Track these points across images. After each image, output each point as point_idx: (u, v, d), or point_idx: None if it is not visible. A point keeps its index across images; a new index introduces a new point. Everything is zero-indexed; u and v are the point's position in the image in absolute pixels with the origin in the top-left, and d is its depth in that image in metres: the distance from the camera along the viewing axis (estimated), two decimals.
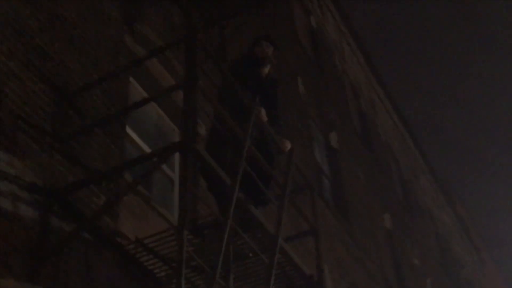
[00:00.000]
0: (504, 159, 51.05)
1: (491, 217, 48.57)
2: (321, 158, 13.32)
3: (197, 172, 6.12)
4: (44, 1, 6.16)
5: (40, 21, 6.01)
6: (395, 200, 17.56)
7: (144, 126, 7.51)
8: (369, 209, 14.71)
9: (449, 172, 51.84)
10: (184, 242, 4.75)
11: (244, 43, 7.47)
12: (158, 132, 7.81)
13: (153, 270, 6.04)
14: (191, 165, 5.24)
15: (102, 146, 6.22)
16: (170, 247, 5.71)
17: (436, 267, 19.07)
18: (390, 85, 20.34)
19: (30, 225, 5.11)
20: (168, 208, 7.22)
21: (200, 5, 9.18)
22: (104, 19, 7.00)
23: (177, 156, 6.80)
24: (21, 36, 5.72)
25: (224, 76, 6.51)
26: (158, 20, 8.13)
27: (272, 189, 6.41)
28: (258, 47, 6.87)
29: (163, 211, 6.76)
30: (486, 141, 51.84)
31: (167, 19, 8.36)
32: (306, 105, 12.95)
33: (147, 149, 7.14)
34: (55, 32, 6.16)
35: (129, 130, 7.00)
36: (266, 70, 6.87)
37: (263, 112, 6.35)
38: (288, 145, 6.73)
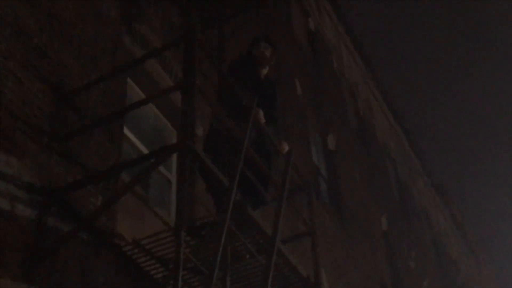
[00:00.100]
0: (501, 162, 51.11)
1: (488, 219, 48.67)
2: (318, 159, 13.33)
3: (195, 173, 6.12)
4: (43, 1, 6.15)
5: (38, 21, 5.99)
6: (391, 202, 17.57)
7: (141, 127, 7.51)
8: (366, 210, 14.72)
9: (445, 174, 51.94)
10: (181, 243, 4.75)
11: (243, 43, 7.47)
12: (156, 132, 7.80)
13: (150, 271, 6.03)
14: (188, 166, 5.24)
15: (100, 146, 6.21)
16: (167, 248, 5.71)
17: (432, 269, 19.09)
18: (387, 86, 20.30)
19: (27, 225, 5.10)
20: (165, 208, 7.21)
21: (199, 5, 9.18)
22: (102, 19, 6.99)
23: (174, 156, 6.79)
24: (20, 35, 5.71)
25: (222, 76, 6.50)
26: (156, 20, 8.12)
27: (270, 191, 6.41)
28: (256, 48, 6.87)
29: (160, 212, 6.75)
30: (483, 144, 51.91)
31: (165, 19, 8.35)
32: (304, 106, 12.95)
33: (145, 150, 7.13)
34: (54, 32, 6.15)
35: (126, 131, 6.99)
36: (265, 71, 6.87)
37: (261, 113, 6.35)
38: (286, 147, 6.73)
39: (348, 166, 14.54)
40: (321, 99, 14.36)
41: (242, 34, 10.01)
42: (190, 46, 5.79)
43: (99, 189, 5.92)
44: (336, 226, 12.24)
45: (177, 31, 8.29)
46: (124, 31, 7.30)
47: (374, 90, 19.72)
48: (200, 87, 5.63)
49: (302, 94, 13.03)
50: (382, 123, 19.63)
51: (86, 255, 5.53)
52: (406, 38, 51.06)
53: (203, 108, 6.98)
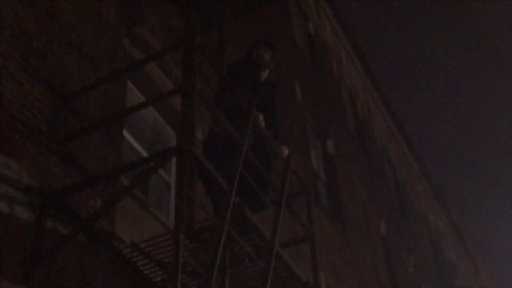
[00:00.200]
0: (499, 166, 51.14)
1: (486, 223, 48.66)
2: (317, 163, 13.32)
3: (195, 177, 6.11)
4: (43, 3, 6.14)
5: (38, 22, 5.99)
6: (390, 206, 17.57)
7: (141, 129, 7.50)
8: (365, 215, 14.71)
9: (444, 178, 51.91)
10: (180, 247, 4.73)
11: (243, 47, 7.46)
12: (155, 135, 7.79)
13: (149, 275, 6.02)
14: (188, 169, 5.23)
15: (99, 148, 6.20)
16: (166, 251, 5.70)
17: (430, 274, 19.08)
18: (386, 90, 20.37)
19: (26, 227, 5.09)
20: (164, 212, 7.20)
21: (198, 8, 9.18)
22: (102, 21, 6.98)
23: (173, 160, 6.78)
24: (19, 37, 5.70)
25: (222, 79, 6.49)
26: (156, 23, 8.12)
27: (269, 194, 6.40)
28: (256, 52, 6.87)
29: (159, 215, 6.74)
30: (482, 147, 51.92)
31: (165, 22, 8.35)
32: (303, 110, 12.95)
33: (144, 153, 7.13)
34: (54, 34, 6.15)
35: (126, 133, 6.99)
36: (264, 74, 6.86)
37: (261, 117, 6.34)
38: (285, 151, 6.72)
39: (347, 170, 14.53)
40: (320, 103, 14.36)
41: (242, 37, 10.01)
42: (190, 49, 5.78)
43: (98, 192, 5.91)
44: (335, 230, 12.23)
45: (176, 34, 8.29)
46: (124, 34, 7.30)
47: (374, 94, 19.73)
48: (200, 90, 5.62)
49: (302, 98, 13.03)
50: (381, 126, 19.64)
51: (85, 257, 5.52)
52: (405, 41, 51.10)
53: (202, 111, 6.97)
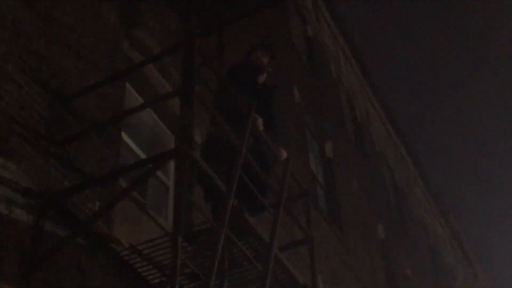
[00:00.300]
0: (497, 170, 51.18)
1: (484, 228, 48.68)
2: (315, 166, 13.32)
3: (193, 179, 6.11)
4: (42, 5, 6.14)
5: (37, 24, 5.99)
6: (388, 210, 17.57)
7: (139, 132, 7.50)
8: (363, 218, 14.71)
9: (442, 182, 51.96)
10: (178, 249, 4.73)
11: (242, 50, 7.47)
12: (154, 138, 7.79)
13: (147, 277, 6.02)
14: (186, 172, 5.22)
15: (98, 151, 6.20)
16: (165, 254, 5.69)
17: (428, 278, 19.07)
18: (385, 94, 20.38)
19: (24, 229, 5.08)
20: (162, 214, 7.19)
21: (198, 11, 9.18)
22: (101, 24, 6.99)
23: (172, 162, 6.78)
24: (19, 39, 5.70)
25: (220, 82, 6.49)
26: (155, 25, 8.12)
27: (268, 197, 6.40)
28: (254, 55, 6.88)
29: (157, 217, 6.73)
30: (480, 152, 51.96)
31: (164, 25, 8.36)
32: (302, 113, 12.96)
33: (142, 155, 7.12)
34: (53, 36, 6.15)
35: (124, 136, 6.98)
36: (262, 78, 6.87)
37: (260, 121, 6.35)
38: (284, 154, 6.73)
39: (346, 174, 14.53)
40: (319, 106, 14.36)
41: (241, 40, 10.02)
42: (189, 52, 5.78)
43: (96, 194, 5.91)
44: (333, 234, 12.23)
45: (176, 37, 8.29)
46: (123, 36, 7.30)
47: (372, 97, 19.75)
48: (199, 93, 5.62)
49: (300, 101, 13.03)
50: (379, 130, 19.65)
51: (83, 260, 5.51)
52: (404, 45, 51.16)
53: (201, 114, 6.97)
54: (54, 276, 5.18)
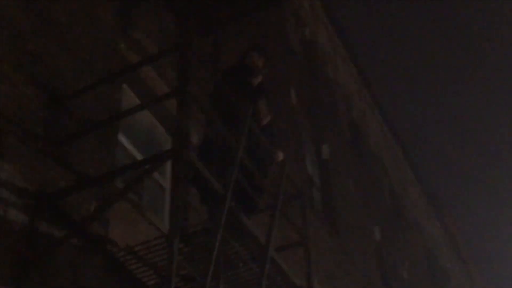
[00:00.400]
0: (494, 173, 51.26)
1: (480, 230, 48.75)
2: (312, 168, 13.32)
3: (187, 181, 6.10)
4: (39, 5, 6.13)
5: (33, 24, 5.98)
6: (384, 212, 17.58)
7: (136, 133, 7.48)
8: (359, 220, 14.71)
9: (438, 184, 52.02)
10: (174, 251, 4.72)
11: (238, 52, 7.47)
12: (150, 139, 7.78)
13: (143, 278, 6.00)
14: (183, 173, 5.22)
15: (94, 151, 6.19)
16: (160, 255, 5.68)
17: (424, 280, 19.07)
18: (381, 97, 20.38)
19: (20, 230, 5.06)
20: (158, 215, 7.18)
21: (194, 12, 9.18)
22: (98, 24, 6.98)
23: (168, 163, 6.76)
24: (15, 39, 5.69)
25: (216, 84, 6.50)
26: (152, 26, 8.11)
27: (264, 198, 6.40)
28: (248, 58, 6.89)
29: (153, 218, 6.72)
30: (476, 155, 52.05)
31: (161, 25, 8.35)
32: (298, 115, 12.95)
33: (139, 156, 7.11)
34: (49, 36, 6.13)
35: (121, 136, 6.97)
36: (256, 80, 6.88)
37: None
38: (280, 156, 6.73)
39: (342, 176, 14.53)
40: (315, 108, 14.36)
41: (238, 41, 10.02)
42: (185, 53, 5.78)
43: (92, 195, 5.89)
44: (329, 236, 12.22)
45: (172, 38, 8.28)
46: (119, 37, 7.29)
47: (369, 100, 19.74)
48: (195, 95, 5.62)
49: (297, 103, 13.03)
50: (376, 133, 19.65)
51: (79, 261, 5.50)
52: (400, 47, 51.20)
53: (198, 115, 6.96)
54: (49, 277, 5.16)
